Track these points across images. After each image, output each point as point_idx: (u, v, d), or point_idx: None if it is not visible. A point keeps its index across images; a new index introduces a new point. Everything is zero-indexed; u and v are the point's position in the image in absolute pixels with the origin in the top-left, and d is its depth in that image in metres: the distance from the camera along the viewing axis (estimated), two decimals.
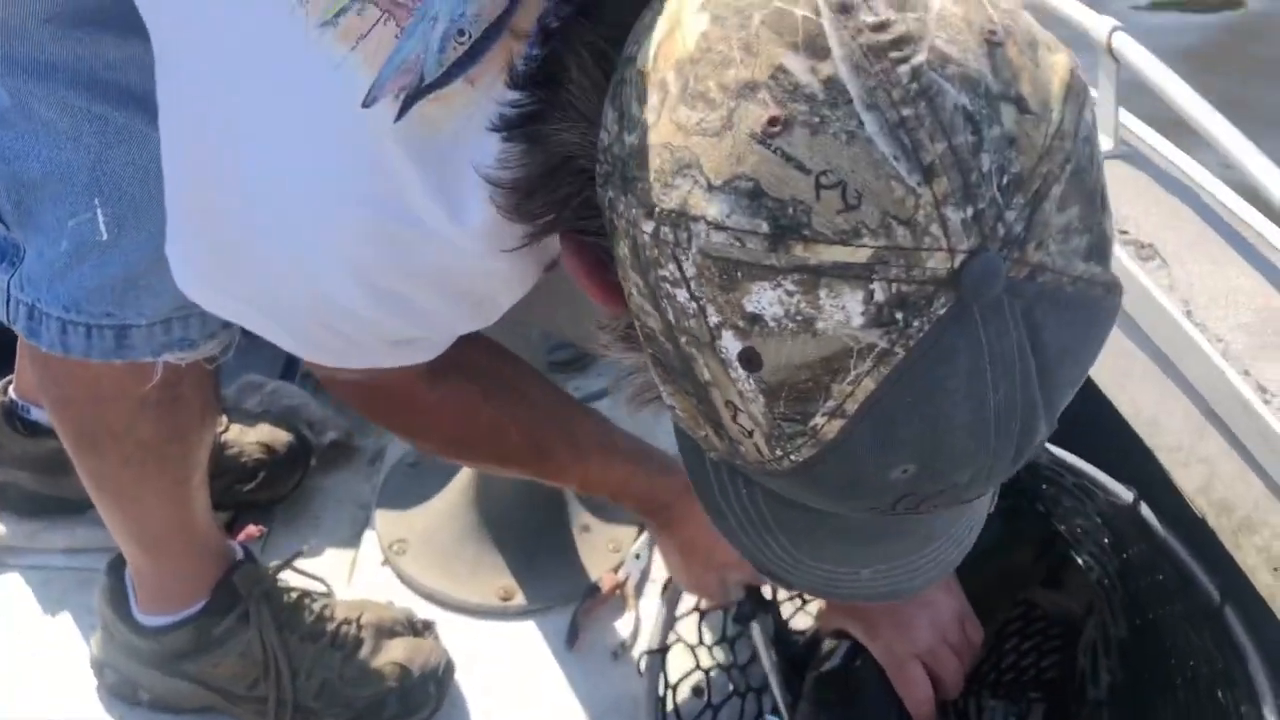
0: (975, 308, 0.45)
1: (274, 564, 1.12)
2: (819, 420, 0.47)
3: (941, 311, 0.45)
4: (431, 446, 0.96)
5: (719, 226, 0.46)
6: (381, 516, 1.29)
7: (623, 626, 1.21)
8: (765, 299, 0.46)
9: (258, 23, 0.61)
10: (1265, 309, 1.10)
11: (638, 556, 1.27)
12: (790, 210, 0.45)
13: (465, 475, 1.28)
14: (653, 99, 0.49)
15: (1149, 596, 1.05)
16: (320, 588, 1.14)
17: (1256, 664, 1.03)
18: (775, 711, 1.07)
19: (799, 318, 0.45)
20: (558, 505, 1.29)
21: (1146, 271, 1.14)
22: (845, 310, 0.45)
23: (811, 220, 0.45)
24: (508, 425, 0.88)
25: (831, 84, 0.45)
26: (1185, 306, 1.10)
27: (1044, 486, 1.15)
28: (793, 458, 0.49)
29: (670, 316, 0.49)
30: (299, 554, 1.14)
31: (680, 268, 0.47)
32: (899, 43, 0.45)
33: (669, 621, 1.11)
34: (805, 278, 0.45)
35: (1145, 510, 1.13)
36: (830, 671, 1.05)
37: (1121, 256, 1.15)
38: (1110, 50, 1.26)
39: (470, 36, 0.57)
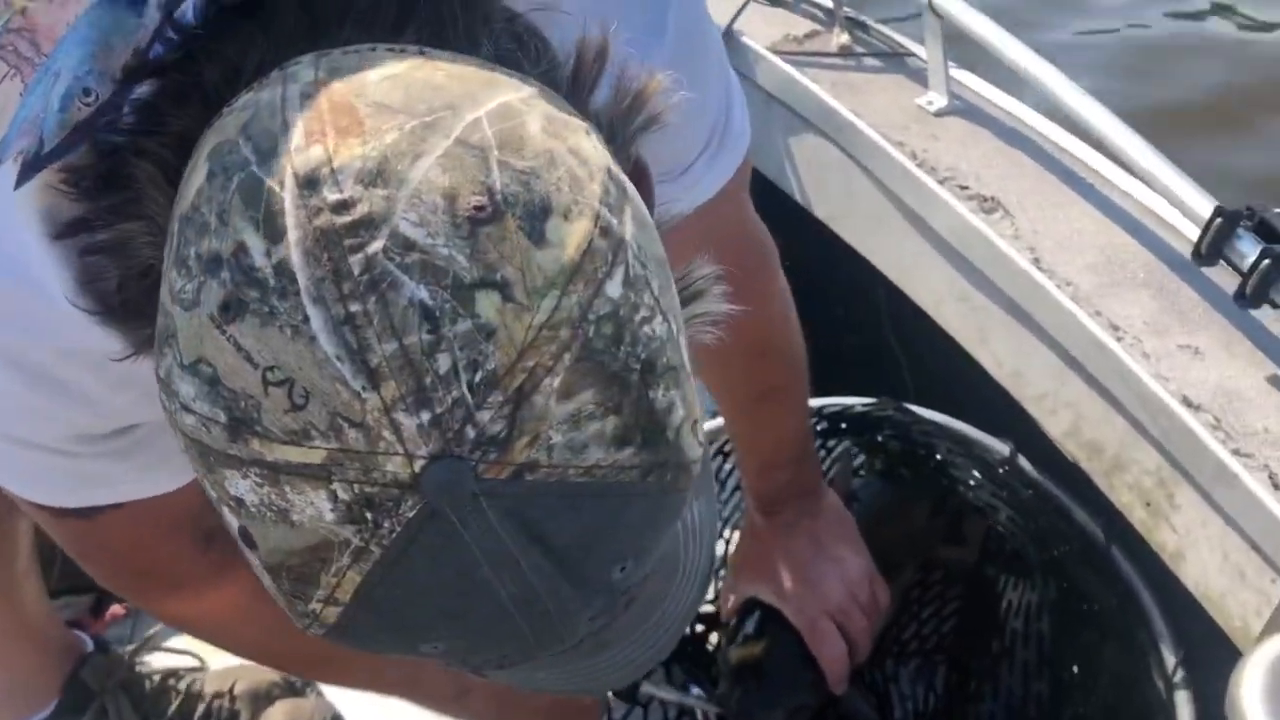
0: (448, 510, 0.41)
1: (129, 648, 1.05)
2: (316, 605, 0.44)
3: (411, 514, 0.41)
4: (222, 641, 0.86)
5: (188, 409, 0.43)
6: None
7: None
8: (240, 486, 0.42)
9: None
10: (1108, 247, 1.10)
11: None
12: (243, 404, 0.41)
13: None
14: (166, 248, 0.45)
15: (1045, 538, 1.05)
16: (190, 662, 1.08)
17: (1148, 600, 1.03)
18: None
19: (275, 508, 0.42)
20: None
21: (991, 224, 1.14)
22: (315, 506, 0.42)
23: (262, 417, 0.41)
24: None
25: (282, 270, 0.41)
26: (1032, 255, 1.09)
27: (924, 449, 1.14)
28: (315, 630, 0.46)
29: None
30: (156, 633, 1.07)
31: (176, 430, 0.45)
32: (357, 226, 0.41)
33: None
34: (267, 472, 0.42)
35: (1022, 461, 1.14)
36: (745, 641, 1.03)
37: (964, 212, 1.15)
38: (933, 7, 1.26)
39: (97, 97, 0.50)
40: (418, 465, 0.40)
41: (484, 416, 0.40)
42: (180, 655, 1.08)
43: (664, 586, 0.52)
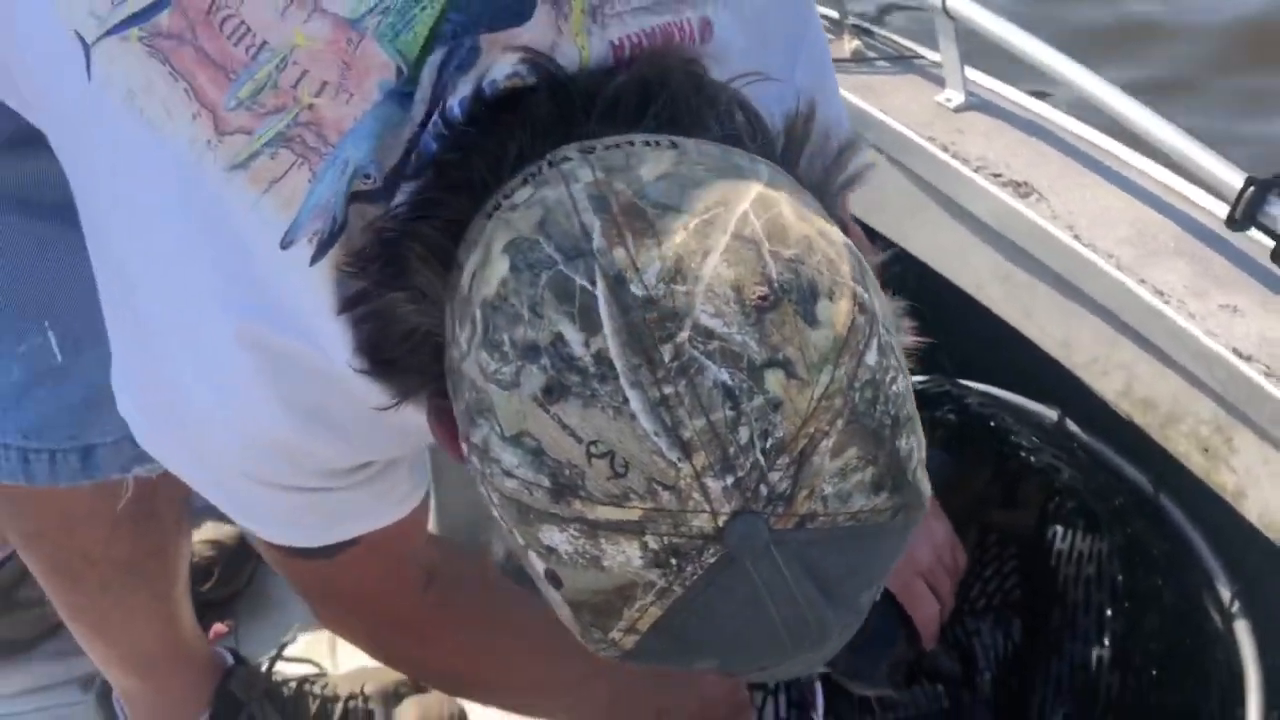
0: (744, 557, 0.48)
1: (263, 659, 1.10)
2: (616, 635, 0.51)
3: (712, 560, 0.48)
4: (440, 670, 0.92)
5: (510, 475, 0.49)
6: None
7: None
8: (556, 538, 0.49)
9: (171, 164, 0.59)
10: (1138, 222, 1.20)
11: None
12: (567, 472, 0.48)
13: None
14: (466, 331, 0.51)
15: (1102, 492, 1.14)
16: (313, 670, 1.13)
17: (1200, 543, 1.12)
18: None
19: (587, 556, 0.49)
20: None
21: (1028, 206, 1.23)
22: (625, 555, 0.48)
23: (585, 483, 0.47)
24: (527, 651, 0.88)
25: (601, 359, 0.47)
26: (1072, 232, 1.18)
27: (981, 420, 1.23)
28: (604, 654, 0.53)
29: (495, 517, 0.53)
30: (285, 644, 1.12)
31: (489, 494, 0.51)
32: (664, 320, 0.47)
33: None
34: (586, 528, 0.48)
35: (1070, 424, 1.23)
36: None
37: (1003, 196, 1.24)
38: (946, 10, 1.35)
39: (375, 180, 0.57)
40: (721, 520, 0.47)
41: (774, 477, 0.48)
42: (304, 664, 1.13)
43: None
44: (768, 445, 0.47)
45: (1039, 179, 1.27)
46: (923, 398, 1.28)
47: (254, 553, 1.29)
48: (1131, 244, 1.17)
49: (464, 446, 0.52)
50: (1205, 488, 1.07)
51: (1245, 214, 1.06)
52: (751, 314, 0.48)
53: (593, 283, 0.48)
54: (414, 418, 0.61)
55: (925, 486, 0.53)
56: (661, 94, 0.54)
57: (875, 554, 0.52)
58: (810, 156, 0.56)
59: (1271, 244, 1.05)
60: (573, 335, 0.48)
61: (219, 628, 1.22)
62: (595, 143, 0.52)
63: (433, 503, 1.33)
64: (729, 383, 0.47)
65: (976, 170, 1.29)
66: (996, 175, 1.28)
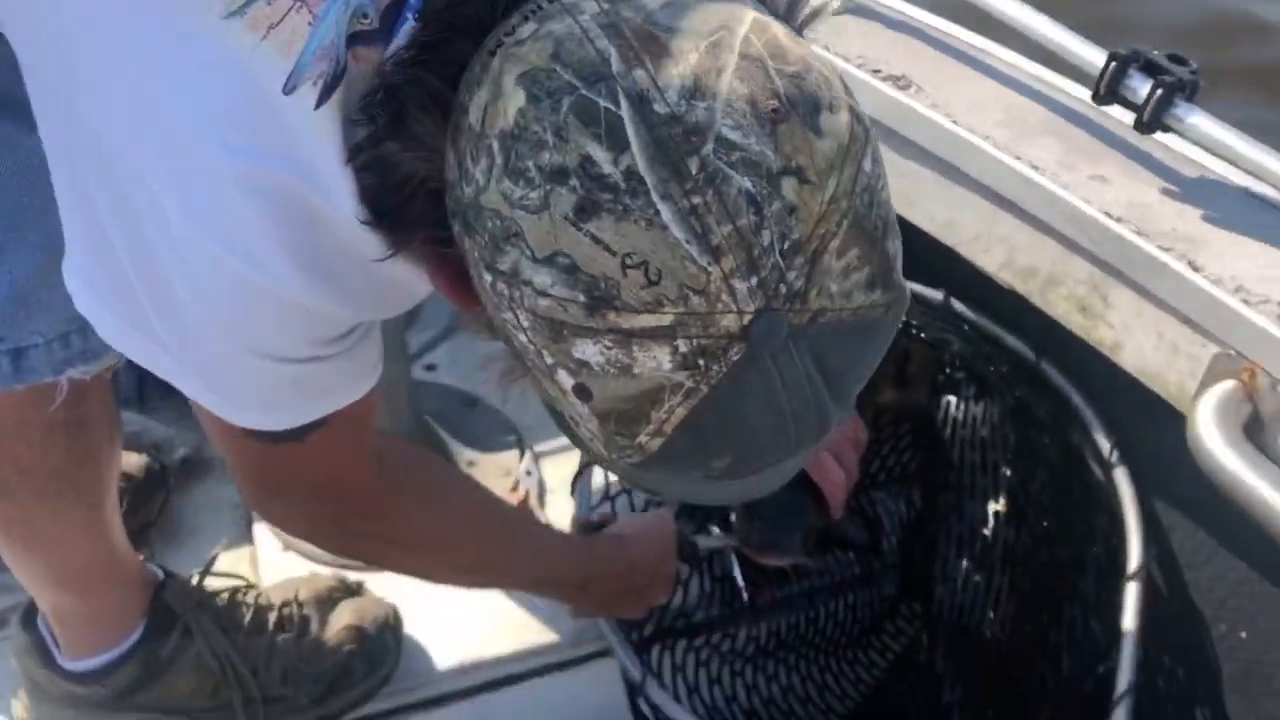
0: (765, 353, 0.52)
1: (195, 573, 1.10)
2: (643, 439, 0.55)
3: (736, 358, 0.52)
4: (398, 554, 0.94)
5: (544, 294, 0.52)
6: None
7: None
8: (589, 350, 0.53)
9: (161, 20, 0.59)
10: (1010, 106, 1.27)
11: (529, 473, 1.32)
12: (602, 285, 0.51)
13: None
14: (483, 162, 0.53)
15: (987, 361, 1.22)
16: (243, 582, 1.13)
17: (1079, 402, 1.21)
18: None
19: (619, 364, 0.53)
20: (440, 451, 1.32)
21: (909, 97, 1.29)
22: (656, 359, 0.52)
23: (620, 294, 0.51)
24: (473, 518, 0.91)
25: (631, 175, 0.50)
26: (950, 118, 1.25)
27: None
28: (628, 460, 0.57)
29: (515, 346, 0.57)
30: (213, 559, 1.12)
31: (517, 317, 0.54)
32: (689, 134, 0.50)
33: (587, 509, 1.18)
34: (619, 337, 0.52)
35: (955, 303, 1.31)
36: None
37: (885, 89, 1.30)
38: None
39: (371, 20, 0.58)
40: (746, 319, 0.51)
41: (791, 276, 0.52)
42: (233, 578, 1.13)
43: None
44: (786, 246, 0.51)
45: (917, 73, 1.33)
46: None
47: (164, 482, 1.28)
48: (1005, 126, 1.24)
49: (484, 279, 0.54)
50: (1086, 347, 1.15)
51: (1108, 89, 1.14)
52: (766, 125, 0.51)
53: (616, 104, 0.50)
54: (404, 274, 0.63)
55: (906, 287, 0.58)
56: None
57: (870, 347, 0.57)
58: None
59: (1133, 117, 1.13)
60: (601, 155, 0.50)
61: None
62: None
63: None
64: (752, 190, 0.50)
65: (858, 67, 1.35)
66: (876, 71, 1.34)
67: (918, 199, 1.32)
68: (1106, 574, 1.17)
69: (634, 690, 1.11)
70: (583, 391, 0.54)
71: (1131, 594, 1.13)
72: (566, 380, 0.54)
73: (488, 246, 0.54)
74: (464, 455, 1.34)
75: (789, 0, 0.59)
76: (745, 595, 1.19)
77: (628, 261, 0.50)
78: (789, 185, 0.51)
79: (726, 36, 0.52)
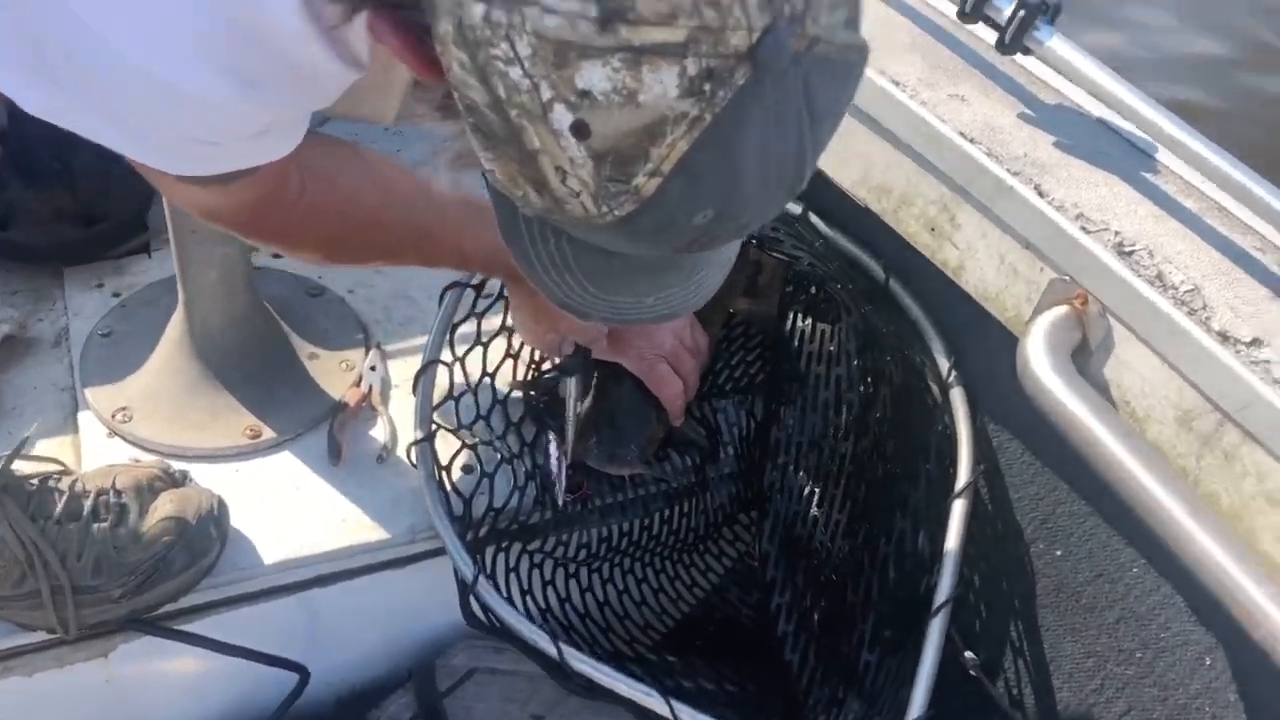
0: (768, 78, 0.52)
1: (6, 455, 1.04)
2: (640, 180, 0.54)
3: (741, 82, 0.52)
4: (318, 251, 0.95)
5: (551, 11, 0.50)
6: (91, 393, 1.22)
7: (379, 433, 1.24)
8: (595, 76, 0.51)
9: None
10: (881, 20, 1.26)
11: (373, 368, 1.28)
12: None
13: (174, 332, 1.23)
14: None
15: (836, 278, 1.22)
16: (58, 468, 1.08)
17: (925, 323, 1.23)
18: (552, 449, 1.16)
19: (625, 91, 0.51)
20: (280, 341, 1.28)
21: None
22: (663, 84, 0.51)
23: (636, 5, 0.49)
24: (382, 209, 0.91)
25: None
26: None
27: None
28: (616, 213, 0.55)
29: (500, 92, 0.53)
30: (25, 441, 1.06)
31: (514, 47, 0.51)
32: None
33: (428, 412, 1.16)
34: (630, 56, 0.50)
35: (813, 217, 1.30)
36: (593, 398, 1.15)
37: None
38: None
39: None
40: (755, 36, 0.50)
41: None
42: (49, 462, 1.08)
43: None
44: None
45: None
46: None
47: None
48: (872, 41, 1.22)
49: (470, 18, 0.51)
50: (933, 268, 1.16)
51: (974, 7, 1.14)
52: None
53: None
54: (336, 62, 0.62)
55: (866, 41, 0.58)
56: None
57: (843, 95, 0.57)
58: None
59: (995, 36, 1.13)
60: None
61: None
62: None
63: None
64: None
65: None
66: None
67: None
68: (937, 490, 1.20)
69: (465, 589, 1.10)
70: (581, 129, 0.52)
71: (957, 511, 1.16)
72: (564, 118, 0.52)
73: None
74: (305, 348, 1.29)
75: None
76: (561, 503, 1.18)
77: None
78: None
79: None
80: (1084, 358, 1.01)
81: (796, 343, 1.32)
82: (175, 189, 0.80)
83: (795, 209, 1.31)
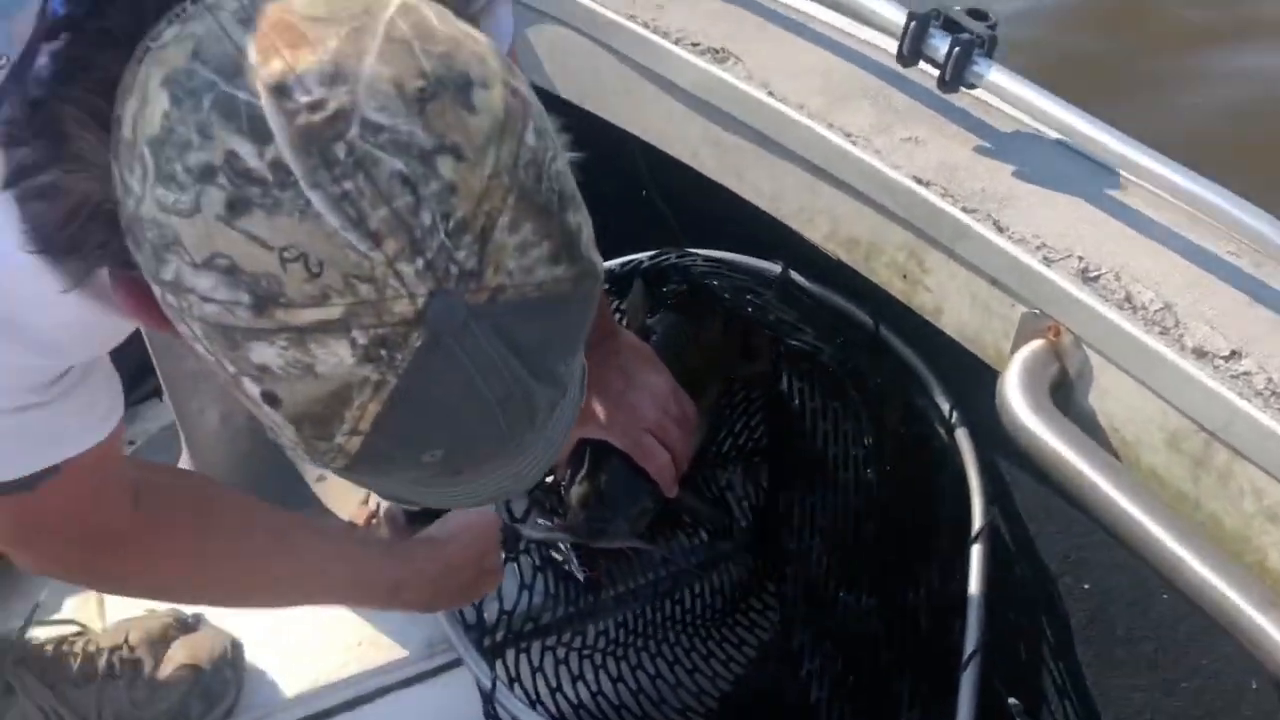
0: (445, 336, 0.51)
1: (15, 628, 1.07)
2: (341, 440, 0.53)
3: (418, 344, 0.51)
4: (167, 589, 0.93)
5: (208, 300, 0.50)
6: None
7: None
8: (266, 354, 0.51)
9: None
10: (829, 71, 1.25)
11: None
12: (264, 283, 0.49)
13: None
14: (138, 172, 0.51)
15: (826, 335, 1.21)
16: (75, 629, 1.10)
17: (920, 365, 1.21)
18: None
19: (300, 365, 0.51)
20: (286, 466, 1.29)
21: (725, 70, 1.27)
22: (337, 355, 0.50)
23: (284, 290, 0.49)
24: (248, 542, 0.90)
25: (278, 166, 0.49)
26: (766, 89, 1.23)
27: (706, 280, 1.28)
28: (334, 465, 0.55)
29: (203, 357, 0.54)
30: (36, 607, 1.09)
31: (191, 329, 0.52)
32: (333, 120, 0.49)
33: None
34: (294, 335, 0.50)
35: (794, 275, 1.29)
36: (582, 477, 1.14)
37: (701, 64, 1.28)
38: None
39: (8, 60, 0.55)
40: (420, 302, 0.50)
41: (461, 255, 0.50)
42: (65, 625, 1.11)
43: (553, 429, 0.62)
44: (450, 225, 0.50)
45: (738, 43, 1.31)
46: (653, 272, 1.33)
47: None
48: (822, 93, 1.22)
49: (157, 293, 0.52)
50: (914, 313, 1.15)
51: (911, 49, 1.13)
52: (414, 105, 0.50)
53: (256, 95, 0.49)
54: (93, 309, 0.61)
55: (598, 260, 0.56)
56: None
57: (564, 322, 0.55)
58: None
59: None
60: (245, 149, 0.49)
61: None
62: None
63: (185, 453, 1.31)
64: (404, 170, 0.49)
65: (676, 42, 1.32)
66: (695, 44, 1.32)
67: (744, 172, 1.30)
68: (957, 534, 1.17)
69: (486, 698, 1.10)
70: (271, 398, 0.52)
71: (976, 555, 1.13)
72: (253, 388, 0.52)
73: (151, 258, 0.52)
74: (313, 470, 1.31)
75: None
76: (581, 577, 1.17)
77: (286, 255, 0.49)
78: (445, 163, 0.50)
79: (369, 22, 0.51)
80: (1066, 390, 0.99)
81: (796, 401, 1.30)
82: None
83: (774, 268, 1.30)
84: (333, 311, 0.49)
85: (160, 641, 1.09)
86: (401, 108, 0.50)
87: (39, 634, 1.08)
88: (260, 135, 0.49)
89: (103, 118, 0.53)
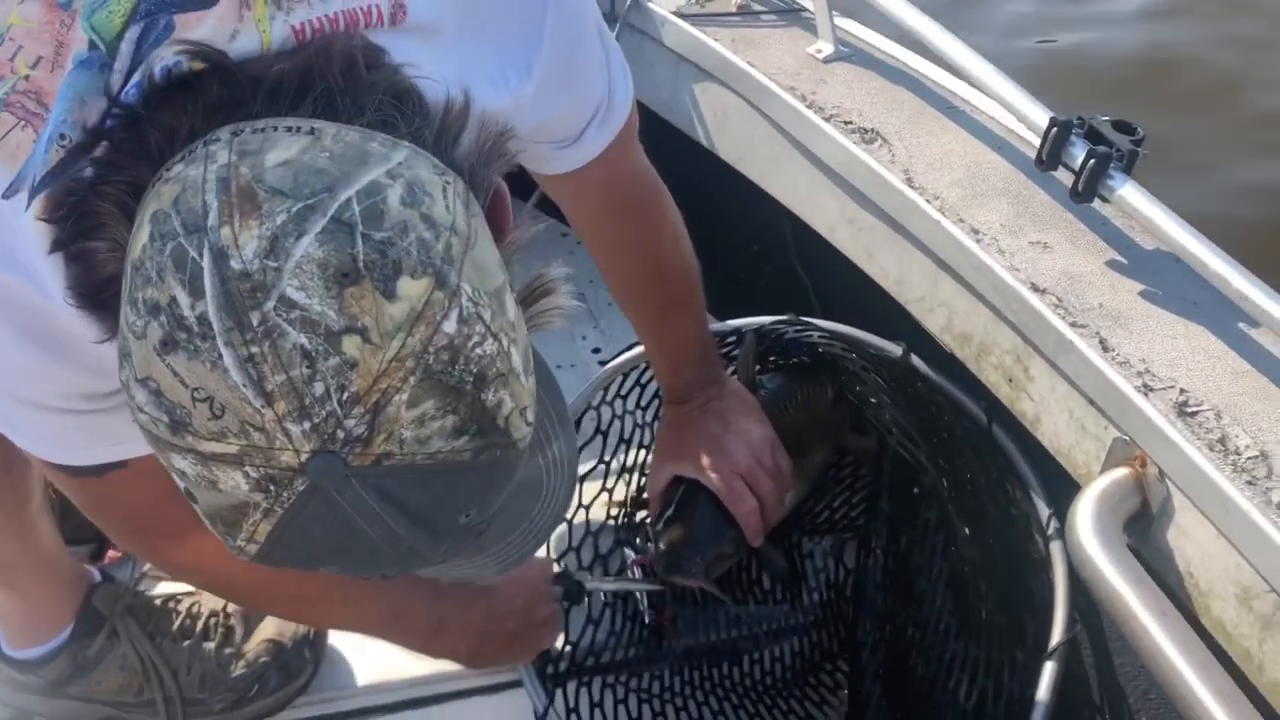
0: (327, 488, 0.56)
1: (133, 578, 1.18)
2: (242, 543, 0.59)
3: (302, 488, 0.56)
4: (219, 586, 1.00)
5: (141, 410, 0.57)
6: None
7: None
8: (182, 464, 0.57)
9: None
10: (972, 164, 1.25)
11: None
12: (179, 412, 0.56)
13: None
14: (125, 284, 0.58)
15: (931, 425, 1.20)
16: (185, 588, 1.20)
17: (1025, 468, 1.18)
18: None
19: (206, 480, 0.57)
20: None
21: (870, 153, 1.28)
22: (234, 480, 0.56)
23: (193, 422, 0.56)
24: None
25: (203, 321, 0.55)
26: (906, 176, 1.24)
27: (821, 350, 1.28)
28: (241, 557, 0.61)
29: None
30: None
31: (138, 422, 0.59)
32: (255, 290, 0.54)
33: None
34: (199, 458, 0.56)
35: (914, 359, 1.28)
36: (671, 513, 1.17)
37: (847, 144, 1.29)
38: None
39: (70, 140, 0.64)
40: (303, 457, 0.55)
41: (350, 423, 0.55)
42: (176, 583, 1.21)
43: (528, 506, 0.68)
44: (344, 397, 0.55)
45: (888, 125, 1.32)
46: (772, 338, 1.35)
47: None
48: (961, 185, 1.22)
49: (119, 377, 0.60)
50: (1012, 411, 1.13)
51: (1050, 154, 1.11)
52: (334, 288, 0.55)
53: (201, 255, 0.55)
54: None
55: (520, 430, 0.60)
56: (320, 81, 0.61)
57: (460, 486, 0.59)
58: (469, 140, 0.63)
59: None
60: (183, 299, 0.55)
61: (113, 554, 1.30)
62: (246, 125, 0.59)
63: None
64: (306, 346, 0.55)
65: (829, 119, 1.34)
66: (847, 123, 1.33)
67: (875, 252, 1.31)
68: (1039, 644, 1.14)
69: None
70: (190, 496, 0.60)
71: (1047, 673, 1.10)
72: (180, 482, 0.60)
73: (119, 356, 0.60)
74: None
75: (485, 147, 0.63)
76: (648, 619, 1.20)
77: (197, 395, 0.55)
78: (351, 343, 0.55)
79: (325, 200, 0.56)
80: (1145, 524, 0.96)
81: (899, 485, 1.29)
82: (64, 484, 0.85)
83: (896, 349, 1.30)
84: (230, 448, 0.56)
85: (254, 614, 1.18)
86: (320, 288, 0.55)
87: (151, 588, 1.18)
88: (196, 290, 0.55)
89: (131, 214, 0.61)
